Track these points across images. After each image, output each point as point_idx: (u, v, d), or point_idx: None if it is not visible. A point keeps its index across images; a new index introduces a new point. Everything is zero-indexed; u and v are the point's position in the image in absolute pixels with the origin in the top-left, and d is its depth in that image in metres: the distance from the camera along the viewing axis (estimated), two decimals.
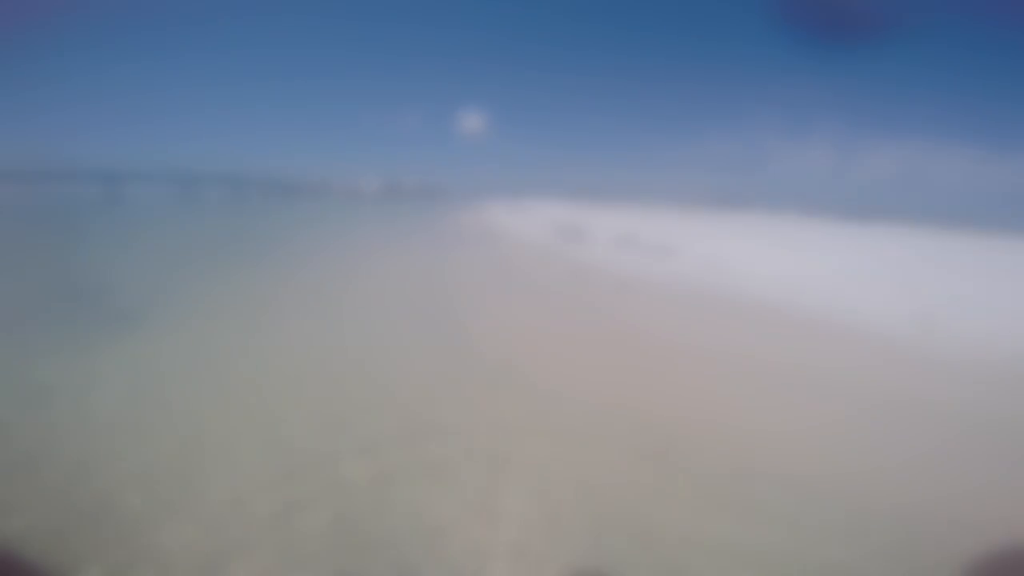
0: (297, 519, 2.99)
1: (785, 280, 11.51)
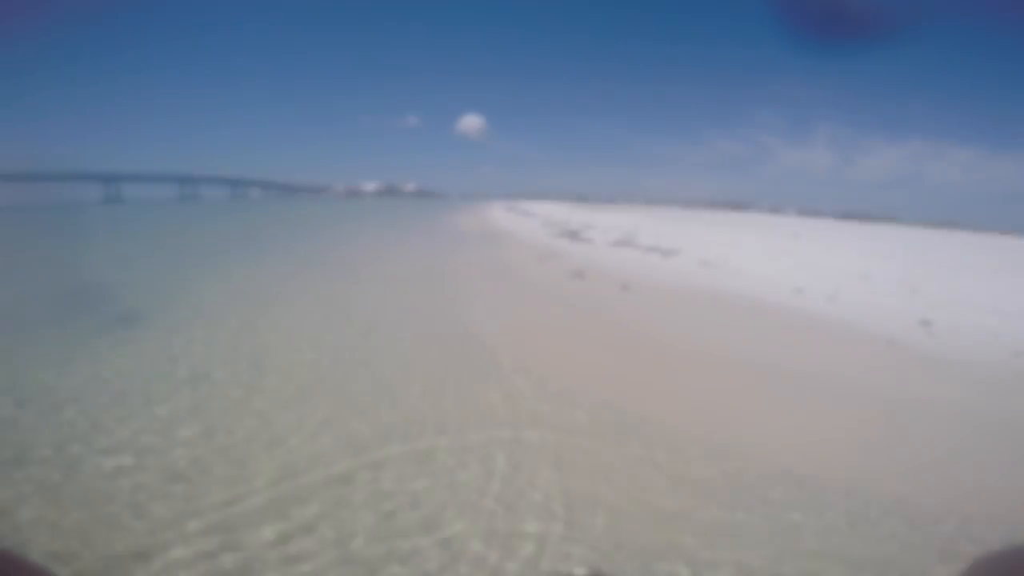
0: None
1: (785, 280, 11.51)
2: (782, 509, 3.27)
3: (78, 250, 17.25)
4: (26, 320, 7.42)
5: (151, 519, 2.97)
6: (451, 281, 11.41)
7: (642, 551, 2.85)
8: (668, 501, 3.32)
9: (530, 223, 30.58)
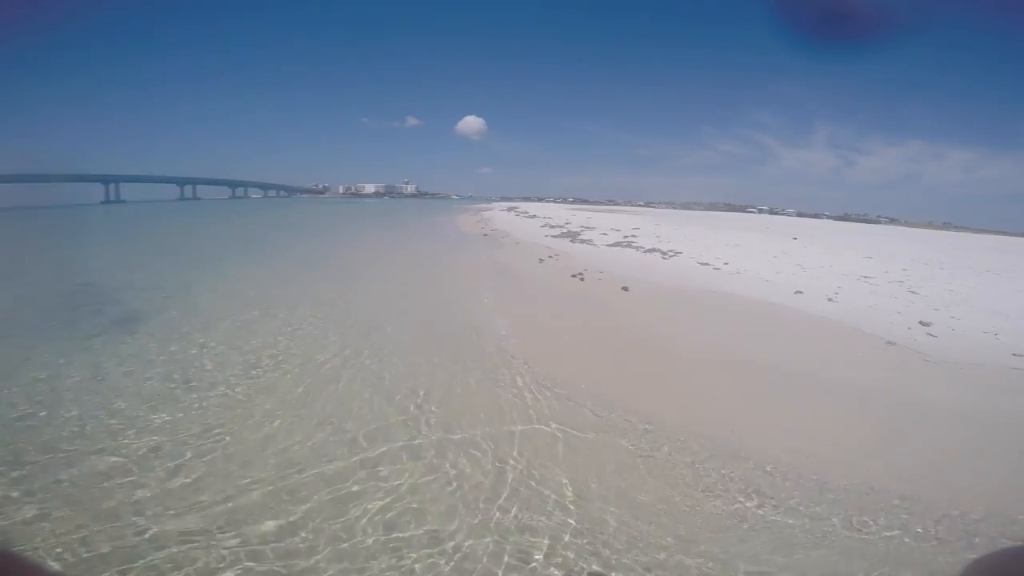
0: None
1: (785, 281, 11.51)
2: (782, 508, 3.27)
3: (78, 251, 17.25)
4: (26, 320, 7.42)
5: (151, 519, 2.97)
6: (452, 282, 11.42)
7: (642, 548, 2.85)
8: (667, 498, 3.32)
9: (530, 224, 30.59)
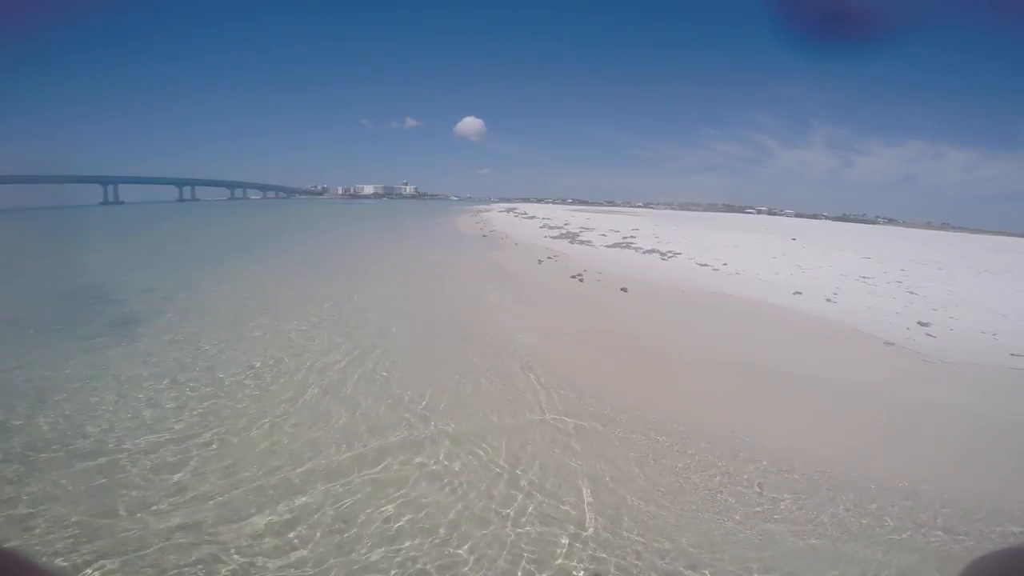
0: None
1: (784, 281, 11.52)
2: (781, 507, 3.27)
3: (77, 252, 17.23)
4: (26, 320, 7.41)
5: (152, 519, 2.96)
6: (452, 283, 11.41)
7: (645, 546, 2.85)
8: (666, 501, 3.32)
9: (529, 225, 30.59)
